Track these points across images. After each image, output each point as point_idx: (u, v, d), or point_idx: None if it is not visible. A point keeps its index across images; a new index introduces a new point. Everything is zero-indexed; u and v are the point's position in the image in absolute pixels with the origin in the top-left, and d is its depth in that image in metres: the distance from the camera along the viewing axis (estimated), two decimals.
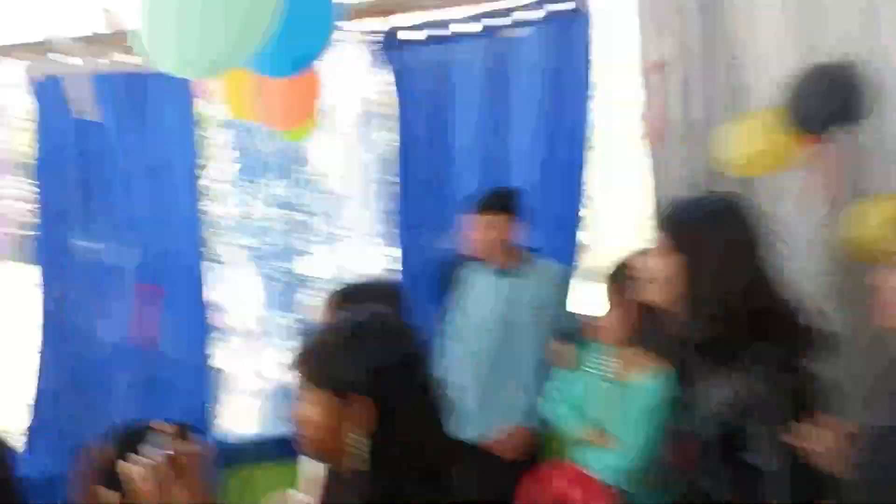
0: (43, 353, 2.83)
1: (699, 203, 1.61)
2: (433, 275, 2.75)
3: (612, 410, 1.99)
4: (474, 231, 2.53)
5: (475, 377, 2.53)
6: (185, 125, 2.86)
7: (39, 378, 2.81)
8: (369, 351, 1.06)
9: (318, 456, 1.13)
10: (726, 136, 2.23)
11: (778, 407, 1.40)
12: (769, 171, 2.23)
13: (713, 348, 1.49)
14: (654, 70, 2.54)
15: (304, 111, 2.30)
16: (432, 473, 1.06)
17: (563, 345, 2.28)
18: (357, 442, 1.04)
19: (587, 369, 2.12)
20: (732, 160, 2.22)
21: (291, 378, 1.13)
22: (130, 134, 2.82)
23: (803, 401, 1.41)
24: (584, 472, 1.97)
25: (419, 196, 2.92)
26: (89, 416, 2.74)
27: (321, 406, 1.07)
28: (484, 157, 2.89)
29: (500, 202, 2.53)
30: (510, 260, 2.56)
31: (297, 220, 3.19)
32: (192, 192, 2.91)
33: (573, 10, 2.76)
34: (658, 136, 2.58)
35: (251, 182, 3.14)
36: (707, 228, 1.51)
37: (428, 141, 2.92)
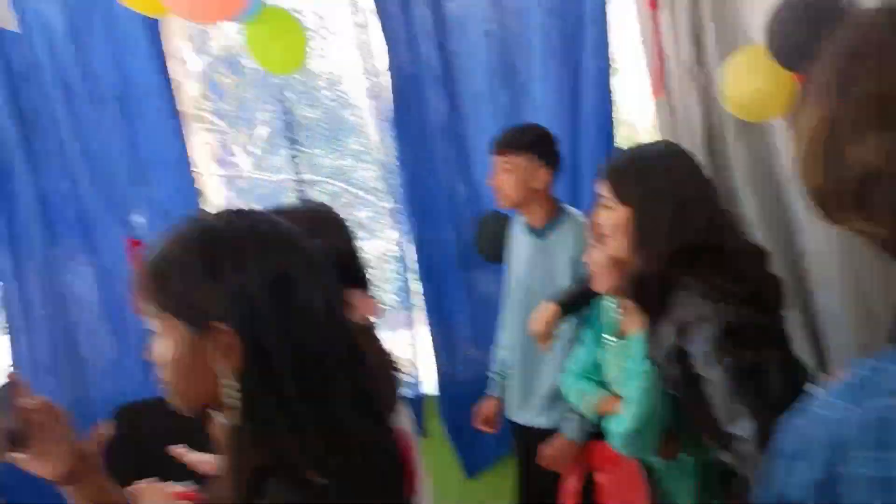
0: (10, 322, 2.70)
1: (640, 151, 1.59)
2: (473, 235, 2.57)
3: (619, 371, 1.80)
4: (494, 175, 2.19)
5: (515, 354, 2.32)
6: (143, 39, 2.53)
7: (12, 349, 2.72)
8: (225, 264, 0.79)
9: (184, 406, 0.86)
10: (724, 77, 2.02)
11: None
12: (769, 113, 2.01)
13: (666, 292, 1.46)
14: (650, 9, 2.35)
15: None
16: (334, 435, 0.79)
17: (549, 312, 1.94)
18: (229, 386, 0.80)
19: (598, 331, 1.90)
20: (731, 102, 2.01)
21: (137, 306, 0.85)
22: (69, 49, 2.51)
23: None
24: (612, 449, 1.76)
25: (423, 157, 2.70)
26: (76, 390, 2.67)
27: (173, 339, 0.82)
28: (497, 106, 2.66)
29: (523, 140, 2.16)
30: (542, 213, 2.21)
31: (349, 195, 2.99)
32: (171, 131, 2.60)
33: None
34: (659, 81, 2.39)
35: (290, 147, 3.01)
36: (650, 176, 1.49)
37: (426, 91, 2.68)
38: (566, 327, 2.07)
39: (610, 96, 2.64)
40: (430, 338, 2.78)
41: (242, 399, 0.79)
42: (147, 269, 0.83)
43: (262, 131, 3.78)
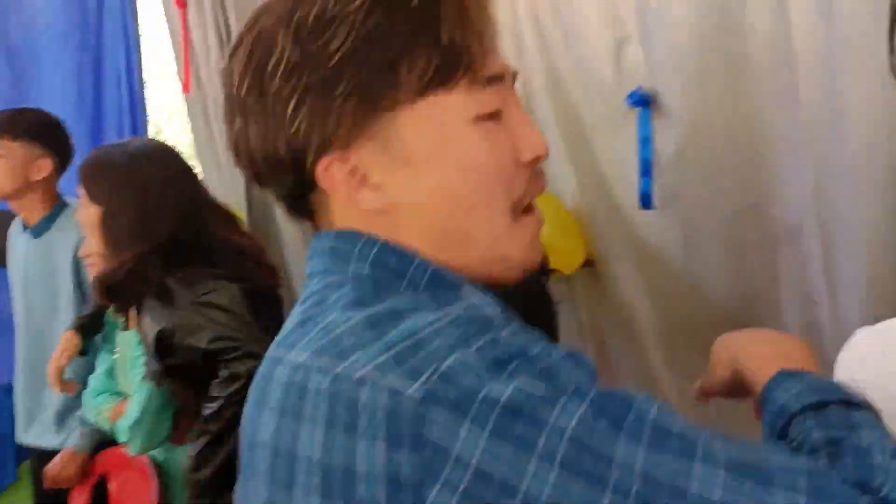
0: None
1: (112, 150, 1.56)
2: None
3: (124, 367, 1.70)
4: None
5: (19, 366, 2.02)
6: None
7: None
8: None
9: None
10: None
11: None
12: None
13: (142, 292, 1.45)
14: (178, 6, 2.30)
15: None
16: None
17: (68, 346, 1.74)
18: None
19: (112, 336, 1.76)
20: None
21: None
22: None
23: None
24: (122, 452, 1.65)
25: None
26: None
27: None
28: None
29: (19, 125, 1.91)
30: (39, 207, 1.96)
31: None
32: None
33: None
34: (187, 79, 2.34)
35: None
36: (117, 175, 1.47)
37: None
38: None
39: (139, 89, 2.52)
40: None
41: None
42: None
43: None
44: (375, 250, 0.58)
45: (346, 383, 0.48)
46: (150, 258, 1.42)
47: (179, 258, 1.43)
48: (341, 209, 0.61)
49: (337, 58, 0.55)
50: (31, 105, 2.30)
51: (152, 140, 1.64)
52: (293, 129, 0.57)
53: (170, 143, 1.70)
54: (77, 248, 1.85)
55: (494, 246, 0.60)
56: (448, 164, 0.57)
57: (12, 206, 1.99)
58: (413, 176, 0.57)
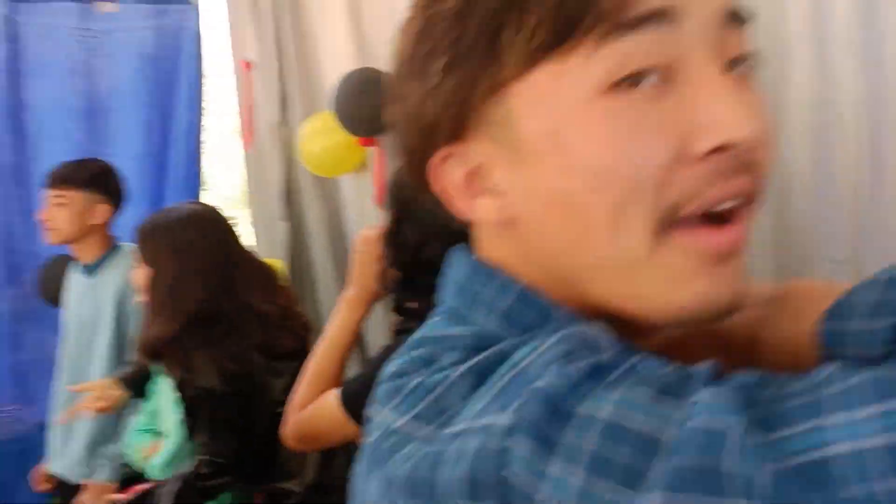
0: None
1: (163, 214, 1.65)
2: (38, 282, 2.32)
3: (162, 408, 1.75)
4: (45, 209, 2.03)
5: (59, 397, 2.09)
6: None
7: None
8: None
9: None
10: (302, 137, 2.20)
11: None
12: (339, 170, 2.24)
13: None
14: (245, 69, 2.46)
15: None
16: None
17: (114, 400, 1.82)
18: None
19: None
20: (306, 160, 2.20)
21: None
22: None
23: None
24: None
25: None
26: None
27: None
28: (73, 146, 2.48)
29: (81, 175, 2.04)
30: (95, 249, 2.09)
31: None
32: None
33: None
34: (248, 135, 2.49)
35: None
36: (162, 239, 1.56)
37: None
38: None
39: (199, 147, 2.65)
40: None
41: None
42: None
43: None
44: (509, 302, 0.44)
45: (437, 444, 0.37)
46: (189, 330, 1.49)
47: (207, 331, 1.50)
48: (474, 225, 0.48)
49: (445, 20, 0.42)
50: (105, 158, 2.52)
51: (200, 205, 1.71)
52: (414, 114, 0.45)
53: (214, 191, 1.80)
54: (121, 292, 2.01)
55: (628, 276, 0.41)
56: (565, 158, 0.40)
57: (72, 248, 2.12)
58: (529, 177, 0.42)
